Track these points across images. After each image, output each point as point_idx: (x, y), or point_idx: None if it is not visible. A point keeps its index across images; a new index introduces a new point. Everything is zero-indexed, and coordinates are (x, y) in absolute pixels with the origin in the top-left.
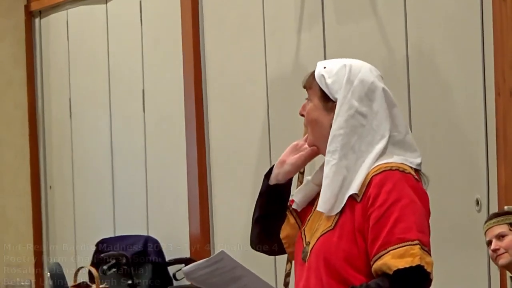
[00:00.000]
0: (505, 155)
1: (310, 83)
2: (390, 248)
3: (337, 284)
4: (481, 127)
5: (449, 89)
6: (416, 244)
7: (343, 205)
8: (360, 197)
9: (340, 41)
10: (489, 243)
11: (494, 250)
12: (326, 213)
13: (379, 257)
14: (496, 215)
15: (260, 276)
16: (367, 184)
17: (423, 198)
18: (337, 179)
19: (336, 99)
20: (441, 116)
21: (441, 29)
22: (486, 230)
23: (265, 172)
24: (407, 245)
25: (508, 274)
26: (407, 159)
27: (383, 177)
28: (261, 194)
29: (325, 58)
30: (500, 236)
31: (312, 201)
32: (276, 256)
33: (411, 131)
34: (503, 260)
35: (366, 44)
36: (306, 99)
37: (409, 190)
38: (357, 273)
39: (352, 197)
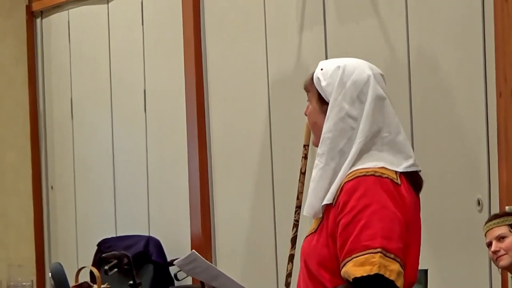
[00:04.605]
0: (507, 155)
1: (309, 85)
2: (354, 256)
3: (314, 286)
4: (482, 127)
5: (450, 89)
6: (377, 252)
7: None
8: (334, 202)
9: (342, 41)
10: (489, 244)
11: (494, 252)
12: (312, 216)
13: (344, 264)
14: (495, 216)
15: (260, 275)
16: (340, 190)
17: (398, 203)
18: (323, 183)
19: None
20: (442, 116)
21: (442, 29)
22: (486, 232)
23: (266, 171)
24: (368, 253)
25: (510, 274)
26: (392, 163)
27: (355, 183)
28: None
29: (326, 58)
30: (500, 238)
31: None
32: (278, 257)
33: (412, 132)
34: (503, 262)
35: (368, 44)
36: (308, 100)
37: (381, 196)
38: (331, 276)
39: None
